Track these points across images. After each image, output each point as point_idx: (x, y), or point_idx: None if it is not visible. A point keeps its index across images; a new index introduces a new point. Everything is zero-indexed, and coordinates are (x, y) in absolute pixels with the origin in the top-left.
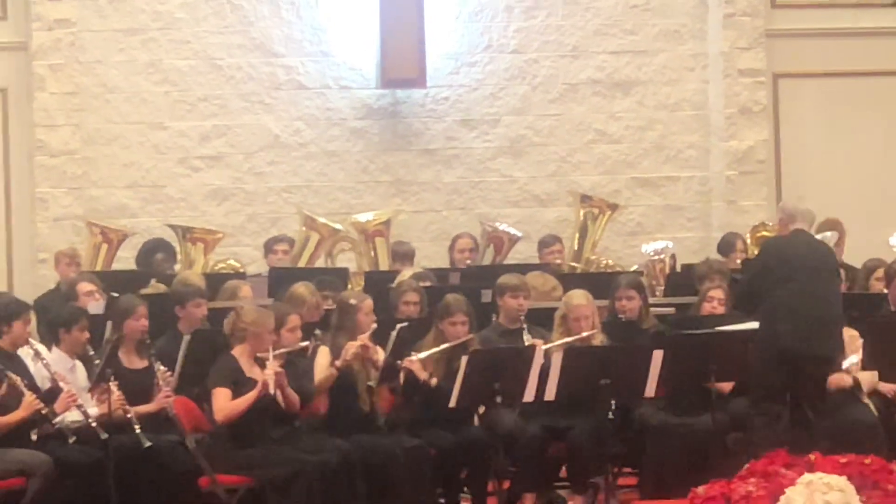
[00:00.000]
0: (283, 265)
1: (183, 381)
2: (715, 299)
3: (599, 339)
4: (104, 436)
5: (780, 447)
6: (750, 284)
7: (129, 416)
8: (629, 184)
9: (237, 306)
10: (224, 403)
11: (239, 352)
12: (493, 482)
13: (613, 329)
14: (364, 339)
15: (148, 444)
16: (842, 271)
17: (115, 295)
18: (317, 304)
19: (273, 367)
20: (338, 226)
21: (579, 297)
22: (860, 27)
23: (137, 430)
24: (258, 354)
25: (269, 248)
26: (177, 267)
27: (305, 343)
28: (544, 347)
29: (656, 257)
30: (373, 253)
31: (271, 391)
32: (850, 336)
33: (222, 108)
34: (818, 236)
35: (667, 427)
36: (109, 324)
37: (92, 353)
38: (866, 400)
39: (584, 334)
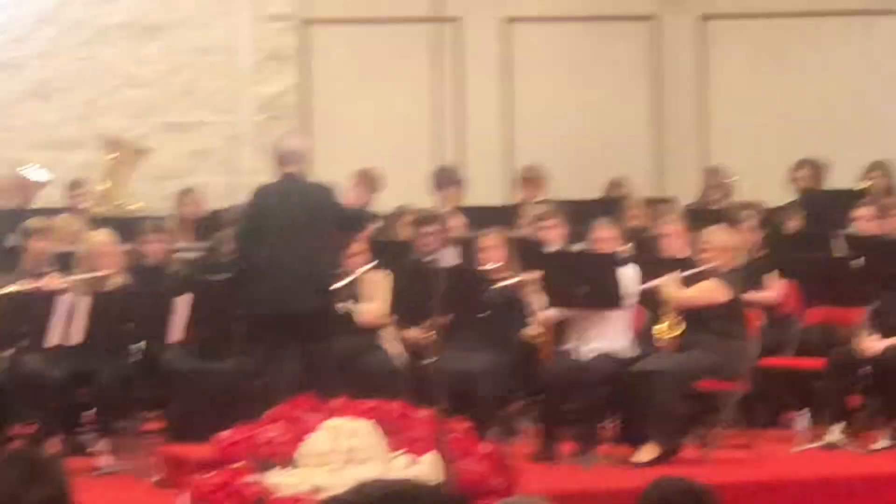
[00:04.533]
0: None
1: None
2: None
3: (122, 281)
4: None
5: (299, 391)
6: (240, 238)
7: None
8: (159, 128)
9: None
10: None
11: None
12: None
13: (138, 273)
14: None
15: None
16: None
17: None
18: None
19: None
20: None
21: (100, 235)
22: None
23: None
24: None
25: None
26: None
27: None
28: (61, 285)
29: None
30: None
31: None
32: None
33: None
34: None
35: (192, 371)
36: None
37: None
38: (386, 346)
39: (105, 272)
